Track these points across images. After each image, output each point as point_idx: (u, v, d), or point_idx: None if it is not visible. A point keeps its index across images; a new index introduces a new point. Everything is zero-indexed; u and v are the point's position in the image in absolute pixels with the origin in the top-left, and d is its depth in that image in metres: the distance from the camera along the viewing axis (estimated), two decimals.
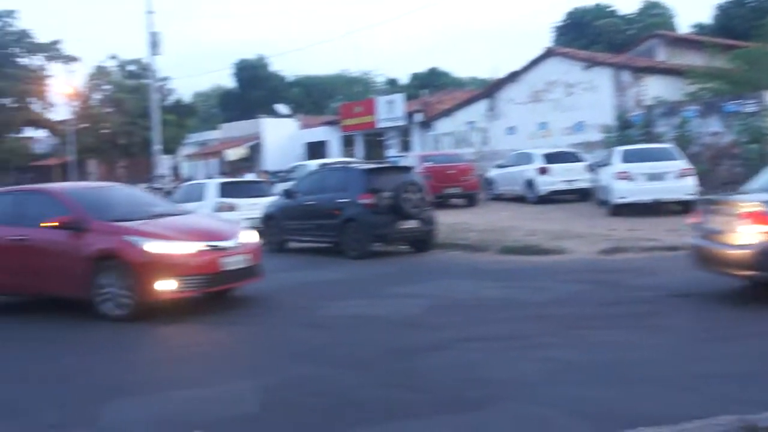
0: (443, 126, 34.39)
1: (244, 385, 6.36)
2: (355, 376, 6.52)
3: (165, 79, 41.72)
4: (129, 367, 7.27)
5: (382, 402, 5.73)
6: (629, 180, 18.72)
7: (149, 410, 5.83)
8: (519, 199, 24.17)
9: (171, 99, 43.02)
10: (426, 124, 35.27)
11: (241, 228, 10.60)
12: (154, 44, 28.36)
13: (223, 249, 9.66)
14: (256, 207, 18.17)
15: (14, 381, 7.03)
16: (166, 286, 9.14)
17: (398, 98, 37.74)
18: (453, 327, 8.24)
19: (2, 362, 7.90)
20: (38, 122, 57.64)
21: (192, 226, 10.15)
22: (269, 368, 6.94)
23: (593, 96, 27.39)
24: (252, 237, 10.53)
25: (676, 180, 18.66)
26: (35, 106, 56.75)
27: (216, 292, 9.98)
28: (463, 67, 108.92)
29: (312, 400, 5.84)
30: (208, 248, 9.53)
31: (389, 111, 36.81)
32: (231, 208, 18.60)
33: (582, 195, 23.16)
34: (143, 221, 9.86)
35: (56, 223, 9.68)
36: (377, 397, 5.87)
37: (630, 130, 25.64)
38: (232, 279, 9.88)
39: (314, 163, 25.30)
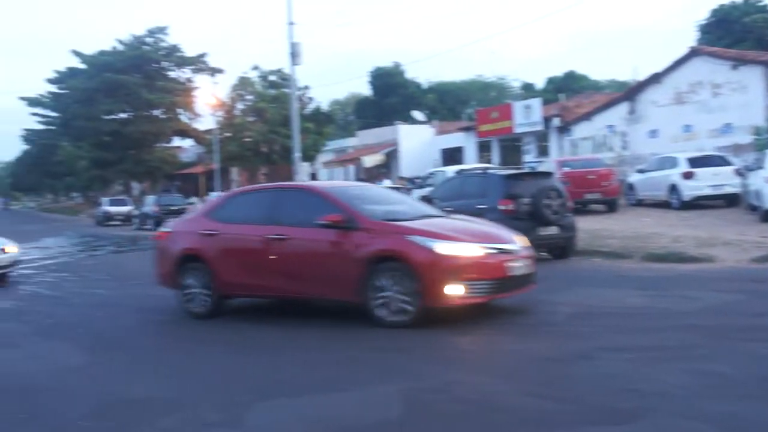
0: (581, 130, 33.72)
1: (388, 389, 6.49)
2: (502, 383, 6.56)
3: (305, 88, 42.91)
4: (315, 366, 7.59)
5: (530, 411, 5.71)
6: None
7: (304, 412, 6.08)
8: (662, 205, 23.37)
9: (310, 107, 44.18)
10: (563, 129, 34.69)
11: (514, 232, 9.86)
12: (295, 54, 29.25)
13: (509, 252, 9.03)
14: None
15: (211, 381, 7.51)
16: (455, 291, 8.51)
17: (535, 103, 37.32)
18: (598, 336, 8.10)
19: (227, 364, 8.44)
20: (185, 132, 60.96)
21: (470, 228, 9.40)
22: (418, 373, 7.05)
23: (742, 96, 26.15)
24: (525, 241, 9.76)
25: None
26: (183, 117, 60.07)
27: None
28: (600, 69, 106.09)
29: (458, 407, 5.92)
30: (494, 251, 8.88)
31: (526, 116, 36.45)
32: None
33: (730, 200, 22.13)
34: (421, 221, 9.32)
35: (329, 221, 9.09)
36: (524, 405, 5.86)
37: None
38: (517, 285, 9.17)
39: (451, 169, 25.39)
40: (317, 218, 9.17)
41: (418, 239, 8.64)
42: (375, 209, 9.39)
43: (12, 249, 17.09)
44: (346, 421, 5.69)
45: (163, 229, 11.75)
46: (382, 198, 10.48)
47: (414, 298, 8.53)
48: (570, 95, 42.35)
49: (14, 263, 17.07)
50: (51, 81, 69.63)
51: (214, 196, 45.91)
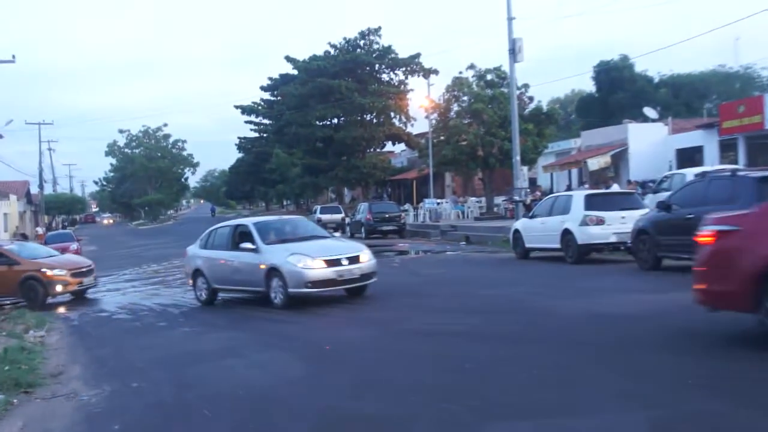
0: None
1: (634, 417, 6.28)
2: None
3: (524, 86, 42.59)
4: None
5: None
6: None
7: None
8: None
9: (530, 107, 43.76)
10: None
11: None
12: (514, 51, 29.09)
13: None
14: (626, 221, 17.90)
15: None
16: None
17: None
18: None
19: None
20: (398, 136, 62.50)
21: None
22: (663, 400, 6.75)
23: None
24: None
25: None
26: (396, 121, 61.65)
27: None
28: None
29: None
30: None
31: None
32: (599, 221, 18.53)
33: None
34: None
35: None
36: None
37: None
38: None
39: (691, 172, 24.16)
40: None
41: None
42: None
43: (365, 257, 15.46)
44: None
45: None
46: None
47: None
48: None
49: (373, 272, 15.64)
50: (265, 89, 74.26)
51: (429, 203, 46.78)
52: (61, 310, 19.21)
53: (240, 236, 16.28)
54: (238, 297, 17.39)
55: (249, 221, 16.93)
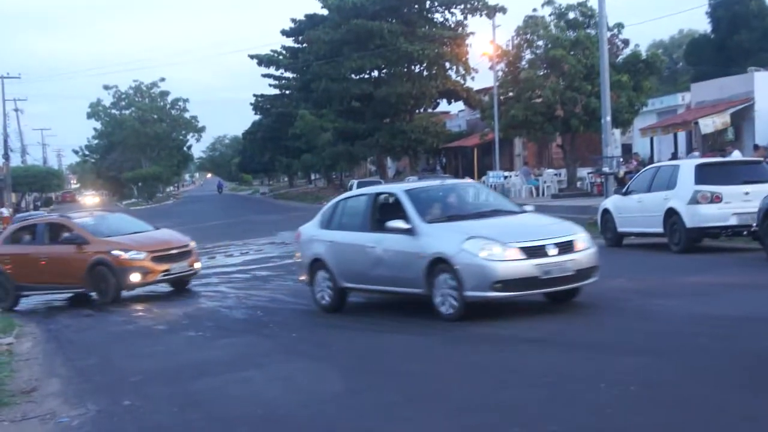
0: None
1: None
2: None
3: (617, 27, 42.08)
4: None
5: None
6: None
7: None
8: None
9: (624, 54, 43.24)
10: None
11: None
12: None
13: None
14: (750, 198, 17.63)
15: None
16: None
17: None
18: None
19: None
20: (455, 93, 62.24)
21: None
22: None
23: None
24: None
25: None
26: (452, 73, 61.35)
27: None
28: None
29: None
30: None
31: None
32: (715, 198, 18.27)
33: None
34: None
35: None
36: None
37: None
38: None
39: None
40: None
41: None
42: None
43: None
44: None
45: None
46: None
47: None
48: None
49: None
50: (287, 33, 74.34)
51: (494, 177, 46.56)
52: (137, 306, 18.58)
53: (384, 210, 14.14)
54: (379, 300, 15.39)
55: (397, 187, 14.76)
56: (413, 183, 16.11)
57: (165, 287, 20.15)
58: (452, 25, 61.30)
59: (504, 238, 12.12)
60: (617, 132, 43.00)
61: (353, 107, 63.84)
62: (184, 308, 17.16)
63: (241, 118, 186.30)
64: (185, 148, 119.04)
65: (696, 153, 37.88)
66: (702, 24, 70.84)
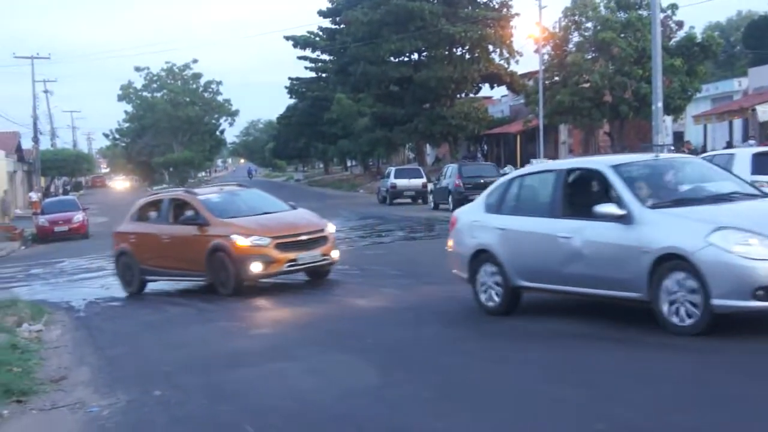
0: None
1: None
2: None
3: (670, 8, 41.75)
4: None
5: None
6: None
7: None
8: None
9: (678, 36, 42.94)
10: None
11: None
12: None
13: None
14: None
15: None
16: None
17: None
18: None
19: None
20: (498, 77, 62.05)
21: None
22: None
23: None
24: None
25: None
26: (495, 56, 61.08)
27: None
28: None
29: None
30: None
31: None
32: None
33: None
34: None
35: None
36: None
37: None
38: None
39: None
40: None
41: None
42: None
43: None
44: None
45: None
46: None
47: None
48: None
49: None
50: (324, 14, 74.35)
51: (539, 162, 46.33)
52: (169, 294, 18.29)
53: (581, 189, 11.92)
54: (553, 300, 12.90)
55: (601, 162, 11.92)
56: (619, 157, 13.37)
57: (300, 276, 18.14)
58: (496, 6, 61.06)
59: (764, 229, 9.70)
60: (668, 119, 42.71)
61: (392, 91, 63.79)
62: (216, 296, 17.19)
63: (276, 102, 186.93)
64: (218, 133, 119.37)
65: (753, 141, 37.51)
66: (762, 5, 70.01)
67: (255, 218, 17.07)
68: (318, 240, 16.93)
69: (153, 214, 18.79)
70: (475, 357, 10.10)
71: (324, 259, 17.02)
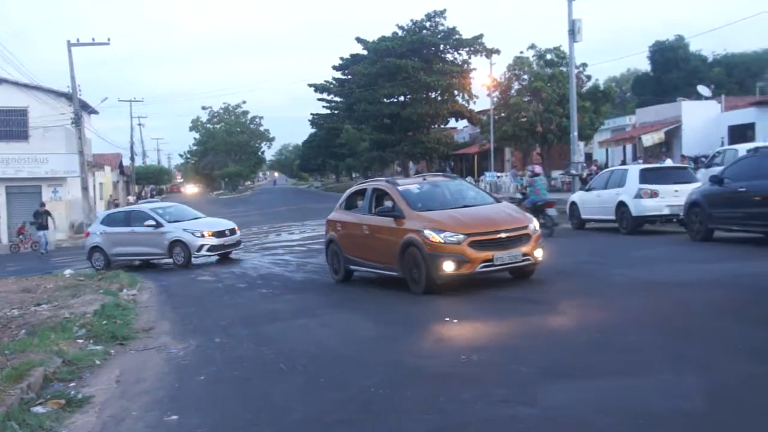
0: None
1: (686, 379, 6.18)
2: None
3: (582, 65, 41.80)
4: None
5: None
6: None
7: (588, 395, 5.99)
8: None
9: (587, 86, 42.99)
10: None
11: None
12: (574, 31, 28.56)
13: None
14: (679, 194, 17.50)
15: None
16: None
17: None
18: None
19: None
20: (461, 113, 62.00)
21: None
22: (712, 364, 6.62)
23: None
24: None
25: None
26: (459, 98, 61.10)
27: None
28: None
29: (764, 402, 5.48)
30: None
31: None
32: (653, 194, 18.16)
33: None
34: None
35: None
36: None
37: None
38: None
39: (743, 147, 23.45)
40: None
41: None
42: None
43: None
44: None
45: None
46: None
47: None
48: None
49: None
50: (336, 68, 74.14)
51: (489, 176, 46.38)
52: (223, 269, 18.89)
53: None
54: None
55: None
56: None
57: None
58: (460, 63, 60.89)
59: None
60: (581, 144, 42.77)
61: (385, 123, 63.64)
62: (258, 271, 17.24)
63: (302, 130, 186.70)
64: (259, 153, 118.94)
65: (640, 160, 37.59)
66: (644, 64, 70.35)
67: (450, 212, 12.00)
68: (519, 238, 11.48)
69: (359, 202, 14.14)
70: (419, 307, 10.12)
71: (525, 259, 11.51)
